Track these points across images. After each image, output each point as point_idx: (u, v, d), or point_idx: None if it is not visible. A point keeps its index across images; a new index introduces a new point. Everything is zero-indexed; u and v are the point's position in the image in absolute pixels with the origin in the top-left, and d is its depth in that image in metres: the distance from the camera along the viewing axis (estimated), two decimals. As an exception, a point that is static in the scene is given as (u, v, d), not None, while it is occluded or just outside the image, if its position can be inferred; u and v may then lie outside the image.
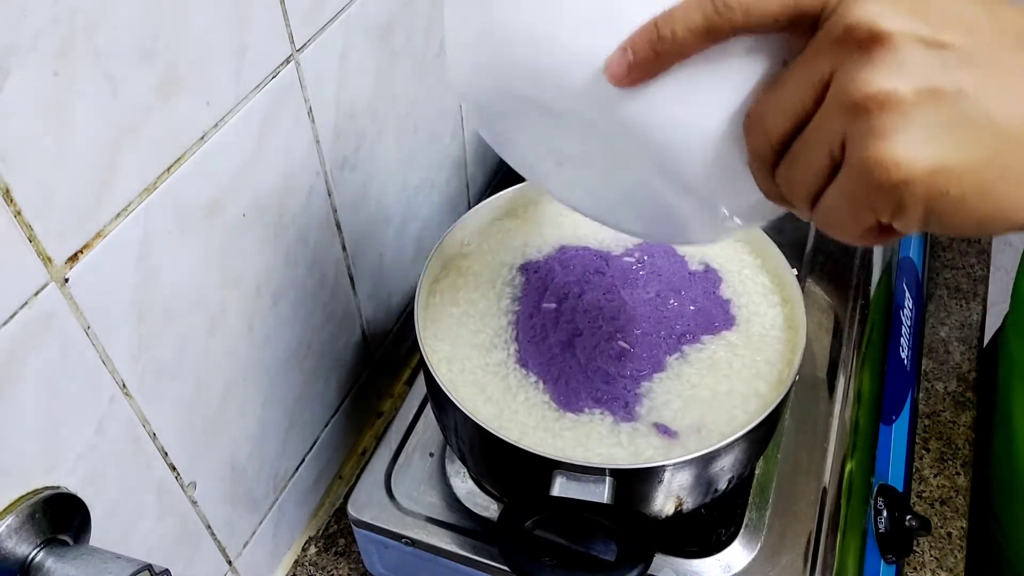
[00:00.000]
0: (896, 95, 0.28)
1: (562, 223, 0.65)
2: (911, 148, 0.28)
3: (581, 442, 0.52)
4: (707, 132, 0.34)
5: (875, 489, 0.63)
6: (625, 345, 0.56)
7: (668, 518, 0.54)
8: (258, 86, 0.50)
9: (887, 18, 0.28)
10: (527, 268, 0.62)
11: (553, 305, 0.59)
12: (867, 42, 0.28)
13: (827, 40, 0.29)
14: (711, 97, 0.33)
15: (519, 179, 0.67)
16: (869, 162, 0.28)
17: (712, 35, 0.31)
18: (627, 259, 0.62)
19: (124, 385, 0.46)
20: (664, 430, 0.52)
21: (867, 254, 0.77)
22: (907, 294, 0.78)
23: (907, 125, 0.28)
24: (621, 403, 0.54)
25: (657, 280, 0.60)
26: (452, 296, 0.60)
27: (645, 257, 0.62)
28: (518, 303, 0.59)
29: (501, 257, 0.63)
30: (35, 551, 0.41)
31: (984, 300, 0.87)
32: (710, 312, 0.59)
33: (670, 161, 0.35)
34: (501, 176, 0.94)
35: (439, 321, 0.59)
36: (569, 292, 0.59)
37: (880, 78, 0.28)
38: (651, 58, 0.32)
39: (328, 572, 0.68)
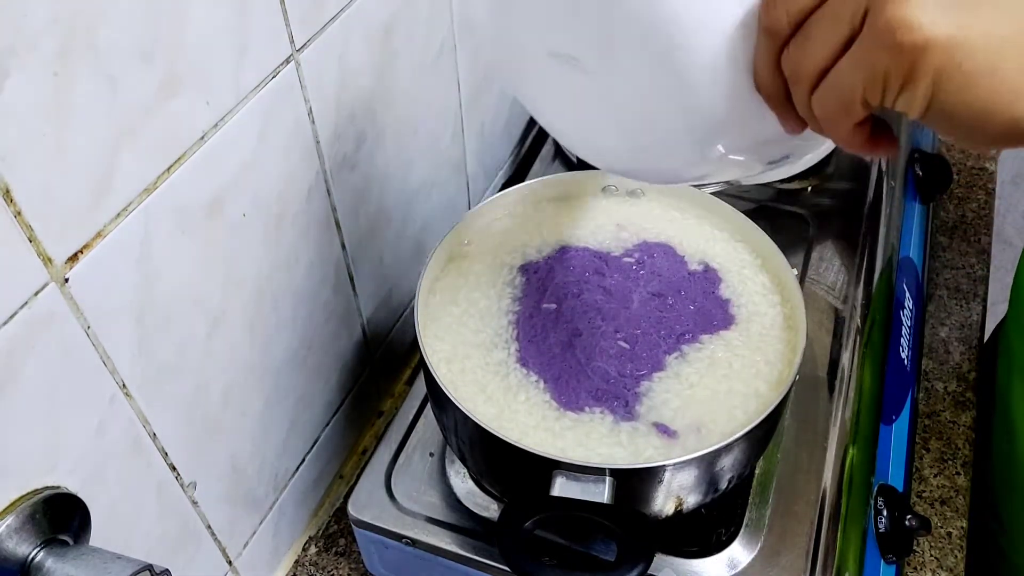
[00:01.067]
0: None
1: (562, 223, 0.65)
2: (935, 14, 0.29)
3: (581, 442, 0.52)
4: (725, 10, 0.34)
5: (875, 489, 0.63)
6: (625, 345, 0.56)
7: (668, 518, 0.54)
8: (258, 86, 0.50)
9: None
10: (527, 268, 0.62)
11: (553, 305, 0.59)
12: None
13: None
14: None
15: (519, 180, 0.68)
16: (892, 21, 0.29)
17: None
18: (627, 259, 0.62)
19: (124, 385, 0.46)
20: (664, 429, 0.52)
21: (869, 253, 0.77)
22: (907, 294, 0.78)
23: None
24: (621, 402, 0.54)
25: (657, 280, 0.60)
26: (452, 296, 0.60)
27: (645, 258, 0.62)
28: (518, 303, 0.59)
29: (501, 257, 0.63)
30: (35, 551, 0.41)
31: (984, 300, 0.87)
32: (709, 312, 0.59)
33: (680, 36, 0.35)
34: (501, 176, 0.94)
35: (439, 321, 0.59)
36: (569, 292, 0.59)
37: None
38: None
39: (328, 572, 0.68)
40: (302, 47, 0.53)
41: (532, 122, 0.96)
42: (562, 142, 0.49)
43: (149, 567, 0.41)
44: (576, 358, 0.56)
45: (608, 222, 0.65)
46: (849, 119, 0.33)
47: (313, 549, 0.70)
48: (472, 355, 0.57)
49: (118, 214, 0.42)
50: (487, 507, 0.60)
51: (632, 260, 0.62)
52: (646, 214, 0.66)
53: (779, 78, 0.34)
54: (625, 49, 0.38)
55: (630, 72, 0.38)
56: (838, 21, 0.31)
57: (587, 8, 0.38)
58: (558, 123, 0.48)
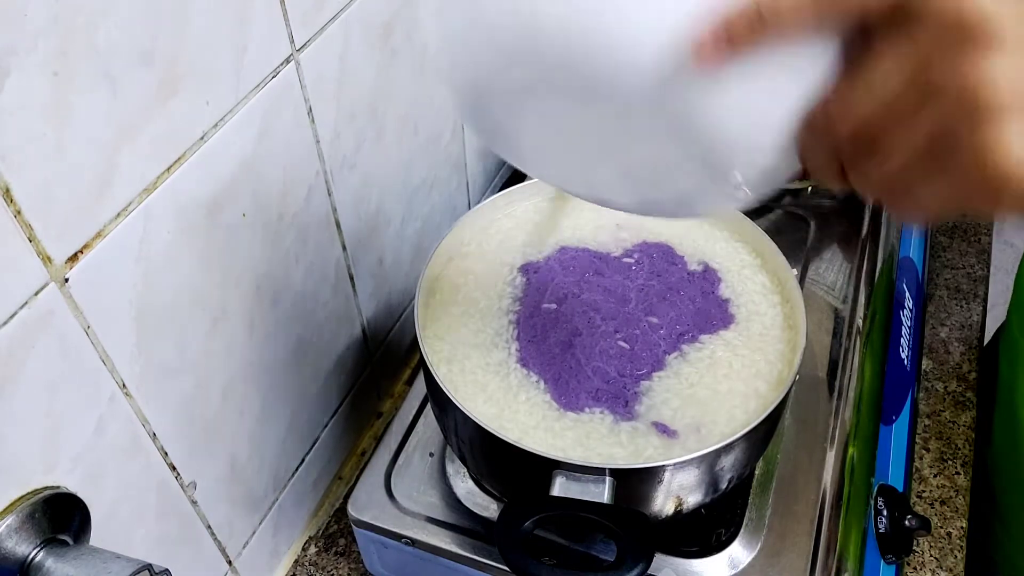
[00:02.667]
0: (1009, 84, 0.27)
1: (562, 224, 0.65)
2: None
3: (581, 442, 0.52)
4: (768, 126, 0.32)
5: (875, 489, 0.63)
6: (624, 345, 0.56)
7: (668, 518, 0.54)
8: (258, 86, 0.50)
9: (991, 3, 0.27)
10: (527, 268, 0.62)
11: (553, 306, 0.59)
12: (973, 28, 0.27)
13: (927, 25, 0.28)
14: (780, 89, 0.31)
15: (519, 179, 0.67)
16: (984, 153, 0.27)
17: (820, 15, 0.30)
18: (626, 260, 0.62)
19: (124, 385, 0.46)
20: (664, 429, 0.52)
21: (869, 253, 0.76)
22: (907, 294, 0.78)
23: (1021, 115, 0.27)
24: (621, 402, 0.54)
25: (657, 280, 0.60)
26: (452, 296, 0.60)
27: (644, 258, 0.62)
28: (519, 303, 0.59)
29: (501, 257, 0.63)
30: (35, 551, 0.41)
31: (984, 300, 0.87)
32: (709, 312, 0.59)
33: (717, 151, 0.33)
34: (501, 176, 0.94)
35: (439, 321, 0.59)
36: (569, 292, 0.59)
37: (991, 65, 0.27)
38: (744, 35, 0.30)
39: (328, 572, 0.68)
40: (302, 47, 0.53)
41: (532, 122, 0.96)
42: (553, 185, 0.46)
43: (149, 567, 0.41)
44: (576, 358, 0.56)
45: (608, 222, 0.65)
46: (927, 216, 0.31)
47: (313, 549, 0.70)
48: (472, 355, 0.57)
49: (118, 214, 0.42)
50: (487, 507, 0.60)
51: (632, 260, 0.62)
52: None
53: (835, 164, 0.32)
54: (644, 135, 0.35)
55: (644, 150, 0.36)
56: (913, 140, 0.29)
57: (610, 104, 0.34)
58: (547, 169, 0.44)
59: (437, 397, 0.55)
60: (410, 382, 0.81)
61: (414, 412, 0.66)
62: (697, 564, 0.56)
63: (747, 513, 0.58)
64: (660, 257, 0.62)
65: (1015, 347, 0.74)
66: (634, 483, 0.50)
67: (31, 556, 0.41)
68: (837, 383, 0.65)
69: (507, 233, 0.65)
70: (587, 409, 0.54)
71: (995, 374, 0.78)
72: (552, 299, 0.59)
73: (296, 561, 0.69)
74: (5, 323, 0.37)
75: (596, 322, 0.57)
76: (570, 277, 0.61)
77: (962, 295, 0.86)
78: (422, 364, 0.55)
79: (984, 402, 0.78)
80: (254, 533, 0.63)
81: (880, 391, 0.69)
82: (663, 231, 0.64)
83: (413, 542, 0.59)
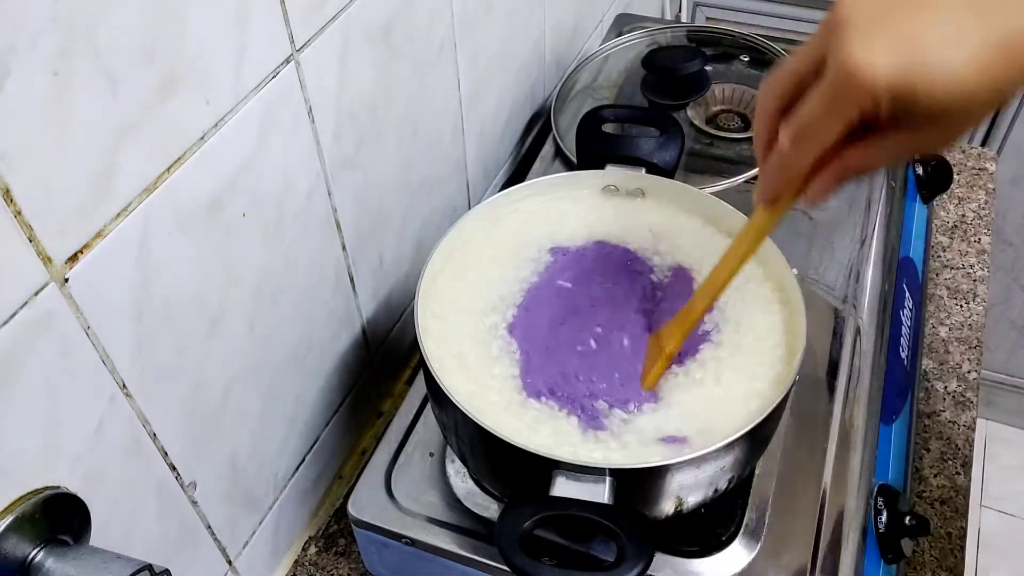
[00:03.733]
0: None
1: (588, 216, 0.65)
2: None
3: (584, 440, 0.52)
4: None
5: (875, 489, 0.63)
6: (593, 345, 0.56)
7: (668, 518, 0.54)
8: (258, 86, 0.50)
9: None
10: (526, 265, 0.62)
11: (567, 287, 0.59)
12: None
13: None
14: None
15: (519, 180, 0.67)
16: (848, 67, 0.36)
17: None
18: (651, 277, 0.61)
19: (124, 385, 0.46)
20: (672, 440, 0.52)
21: (869, 254, 0.76)
22: (907, 294, 0.78)
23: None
24: (623, 403, 0.54)
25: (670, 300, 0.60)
26: (453, 296, 0.60)
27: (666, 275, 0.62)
28: (522, 295, 0.60)
29: (501, 257, 0.63)
30: (35, 551, 0.41)
31: (984, 300, 0.87)
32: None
33: None
34: (501, 176, 0.94)
35: (439, 320, 0.58)
36: (578, 281, 0.59)
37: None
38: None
39: (328, 572, 0.68)
40: (302, 47, 0.53)
41: (532, 122, 0.96)
42: None
43: (149, 567, 0.42)
44: (578, 372, 0.56)
45: (644, 221, 0.65)
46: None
47: (313, 549, 0.70)
48: (473, 355, 0.57)
49: (118, 214, 0.42)
50: (487, 507, 0.60)
51: (656, 279, 0.62)
52: (646, 215, 0.66)
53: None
54: None
55: None
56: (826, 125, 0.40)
57: None
58: None
59: (437, 397, 0.55)
60: (410, 382, 0.81)
61: (414, 412, 0.66)
62: (697, 564, 0.56)
63: (747, 513, 0.58)
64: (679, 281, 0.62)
65: None
66: (634, 483, 0.50)
67: (31, 556, 0.41)
68: (837, 383, 0.65)
69: (508, 233, 0.64)
70: (602, 418, 0.54)
71: None
72: (567, 279, 0.60)
73: (296, 561, 0.69)
74: (5, 323, 0.37)
75: (597, 330, 0.57)
76: (585, 270, 0.61)
77: (962, 295, 0.86)
78: (422, 364, 0.55)
79: None
80: (254, 533, 0.63)
81: (880, 391, 0.69)
82: (664, 231, 0.64)
83: (413, 542, 0.59)
